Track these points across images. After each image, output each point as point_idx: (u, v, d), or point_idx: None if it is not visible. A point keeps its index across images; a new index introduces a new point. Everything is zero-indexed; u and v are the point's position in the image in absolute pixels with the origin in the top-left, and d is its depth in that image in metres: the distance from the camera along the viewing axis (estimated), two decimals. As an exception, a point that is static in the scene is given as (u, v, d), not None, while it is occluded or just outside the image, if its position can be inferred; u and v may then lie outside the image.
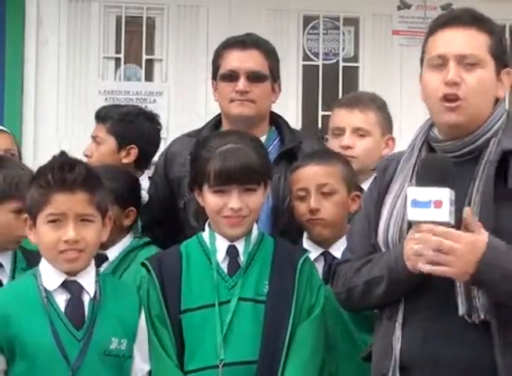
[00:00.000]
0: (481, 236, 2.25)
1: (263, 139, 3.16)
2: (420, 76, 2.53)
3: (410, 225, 2.34)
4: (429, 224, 2.25)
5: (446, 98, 2.39)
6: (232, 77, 3.22)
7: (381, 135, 3.43)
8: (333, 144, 3.42)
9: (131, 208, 3.17)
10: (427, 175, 2.30)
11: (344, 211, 2.98)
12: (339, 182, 2.98)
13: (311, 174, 2.98)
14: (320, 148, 3.34)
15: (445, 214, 2.24)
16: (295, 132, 3.36)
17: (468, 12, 2.48)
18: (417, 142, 2.52)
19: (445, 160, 2.33)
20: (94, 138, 3.79)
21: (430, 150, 2.50)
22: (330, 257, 2.95)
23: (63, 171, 2.53)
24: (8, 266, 2.89)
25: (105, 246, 2.99)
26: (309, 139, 3.41)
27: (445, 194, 2.24)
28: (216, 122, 3.35)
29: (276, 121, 3.36)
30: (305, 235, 3.05)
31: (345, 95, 3.67)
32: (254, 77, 3.21)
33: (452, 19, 2.45)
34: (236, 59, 3.23)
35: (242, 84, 3.19)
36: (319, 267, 2.93)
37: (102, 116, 3.81)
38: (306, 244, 3.02)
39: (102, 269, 2.96)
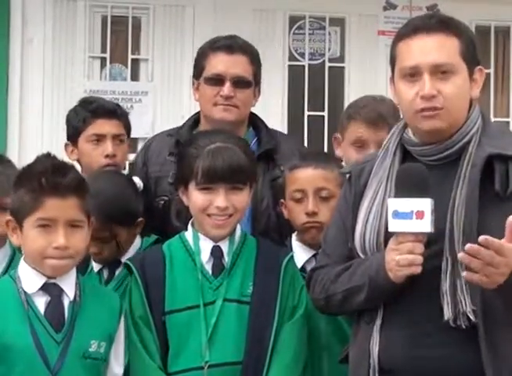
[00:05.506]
0: None
1: None
2: (390, 79, 2.50)
3: (387, 230, 2.34)
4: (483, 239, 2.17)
5: (424, 111, 2.37)
6: (217, 81, 3.20)
7: None
8: (352, 155, 3.22)
9: (140, 219, 3.02)
10: (406, 185, 2.29)
11: None
12: (336, 187, 2.94)
13: (309, 176, 2.96)
14: (313, 150, 3.31)
15: (427, 224, 2.24)
16: (273, 133, 3.33)
17: (435, 17, 2.45)
18: (391, 145, 2.51)
19: (422, 168, 2.32)
20: (116, 136, 3.35)
21: (404, 152, 2.49)
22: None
23: (57, 176, 2.47)
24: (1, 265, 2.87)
25: (120, 255, 2.98)
26: (287, 140, 3.39)
27: (426, 205, 2.24)
28: (195, 121, 3.33)
29: (254, 121, 3.34)
30: (295, 237, 3.03)
31: (364, 107, 3.24)
32: (239, 83, 3.20)
33: (420, 26, 2.41)
34: (223, 64, 3.20)
35: (227, 89, 3.17)
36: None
37: (119, 112, 3.41)
38: (296, 245, 3.00)
39: (117, 272, 2.96)
